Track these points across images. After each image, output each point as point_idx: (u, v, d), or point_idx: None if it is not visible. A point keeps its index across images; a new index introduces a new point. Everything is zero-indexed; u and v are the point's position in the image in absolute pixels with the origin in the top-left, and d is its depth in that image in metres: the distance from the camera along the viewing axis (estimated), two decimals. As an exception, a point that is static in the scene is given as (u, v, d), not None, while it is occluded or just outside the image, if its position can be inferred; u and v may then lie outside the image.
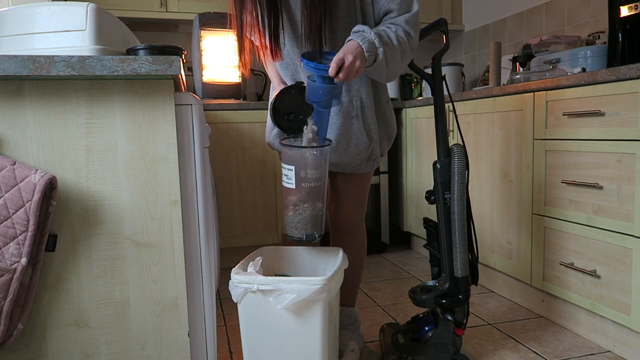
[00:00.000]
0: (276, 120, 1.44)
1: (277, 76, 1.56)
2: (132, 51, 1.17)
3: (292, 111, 1.42)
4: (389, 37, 1.29)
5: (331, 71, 1.23)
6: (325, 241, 1.77)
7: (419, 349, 1.56)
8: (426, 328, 1.60)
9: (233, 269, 1.37)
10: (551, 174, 1.86)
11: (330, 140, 1.42)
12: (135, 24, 2.94)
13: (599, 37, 2.41)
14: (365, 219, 1.74)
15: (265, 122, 1.87)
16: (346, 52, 1.23)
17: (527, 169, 1.97)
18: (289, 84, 1.51)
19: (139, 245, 1.12)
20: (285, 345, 1.33)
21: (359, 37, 1.25)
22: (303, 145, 1.35)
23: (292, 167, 1.34)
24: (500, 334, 1.85)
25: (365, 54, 1.25)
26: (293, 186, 1.36)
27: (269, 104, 1.45)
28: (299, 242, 1.41)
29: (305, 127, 1.36)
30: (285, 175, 1.37)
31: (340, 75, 1.23)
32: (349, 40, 1.28)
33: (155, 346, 1.16)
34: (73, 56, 1.00)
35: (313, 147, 1.34)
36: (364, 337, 1.82)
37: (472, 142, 2.32)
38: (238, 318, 1.38)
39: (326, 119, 1.37)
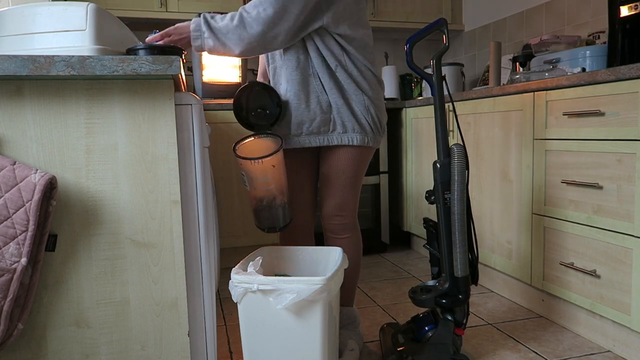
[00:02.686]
0: (241, 117, 1.55)
1: (263, 67, 1.69)
2: (132, 51, 1.17)
3: (257, 107, 1.54)
4: (219, 21, 1.44)
5: (150, 38, 1.44)
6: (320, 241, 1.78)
7: (419, 349, 1.56)
8: (426, 328, 1.60)
9: (233, 269, 1.37)
10: (551, 174, 1.86)
11: (281, 143, 1.50)
12: (135, 24, 2.94)
13: (599, 37, 2.41)
14: (365, 218, 1.74)
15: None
16: (172, 32, 1.44)
17: (527, 169, 1.97)
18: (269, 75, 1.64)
19: (139, 245, 1.12)
20: (285, 345, 1.33)
21: (193, 20, 1.44)
22: (249, 157, 1.46)
23: (244, 173, 1.49)
24: (500, 334, 1.85)
25: (192, 37, 1.44)
26: (249, 188, 1.51)
27: (233, 100, 1.54)
28: (264, 232, 1.57)
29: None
30: (243, 178, 1.52)
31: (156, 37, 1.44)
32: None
33: (155, 346, 1.16)
34: (73, 56, 1.00)
35: (254, 158, 1.44)
36: (364, 337, 1.82)
37: (472, 142, 2.32)
38: (238, 318, 1.38)
39: None
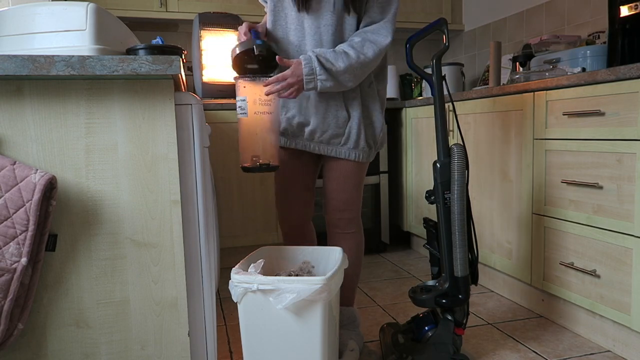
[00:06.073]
0: (239, 69, 1.50)
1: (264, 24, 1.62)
2: (132, 51, 1.17)
3: (255, 68, 1.51)
4: (335, 63, 1.42)
5: (266, 88, 1.42)
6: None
7: (419, 349, 1.56)
8: (426, 328, 1.60)
9: (233, 268, 1.37)
10: (551, 174, 1.86)
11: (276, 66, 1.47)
12: (135, 24, 2.94)
13: (599, 37, 2.41)
14: (365, 218, 1.75)
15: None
16: (289, 75, 1.41)
17: (527, 168, 1.97)
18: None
19: (139, 245, 1.12)
20: (285, 345, 1.33)
21: (305, 61, 1.41)
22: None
23: (245, 98, 1.45)
24: (500, 334, 1.85)
25: (305, 80, 1.42)
26: (246, 116, 1.46)
27: (234, 52, 1.47)
28: (254, 172, 1.50)
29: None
30: (239, 107, 1.47)
31: (271, 89, 1.42)
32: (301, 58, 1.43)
33: (155, 346, 1.16)
34: (73, 56, 1.00)
35: (263, 76, 1.43)
36: (364, 337, 1.82)
37: (472, 142, 2.32)
38: (238, 318, 1.38)
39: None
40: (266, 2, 1.62)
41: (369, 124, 1.61)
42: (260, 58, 1.45)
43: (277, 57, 1.43)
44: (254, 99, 1.44)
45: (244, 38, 1.51)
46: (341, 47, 1.45)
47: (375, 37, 1.47)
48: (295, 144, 1.64)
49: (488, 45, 3.22)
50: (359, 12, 1.50)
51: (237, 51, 1.45)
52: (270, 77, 1.43)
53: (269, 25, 1.60)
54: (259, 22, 1.62)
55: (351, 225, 1.68)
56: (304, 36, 1.53)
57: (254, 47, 1.42)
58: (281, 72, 1.45)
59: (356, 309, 1.76)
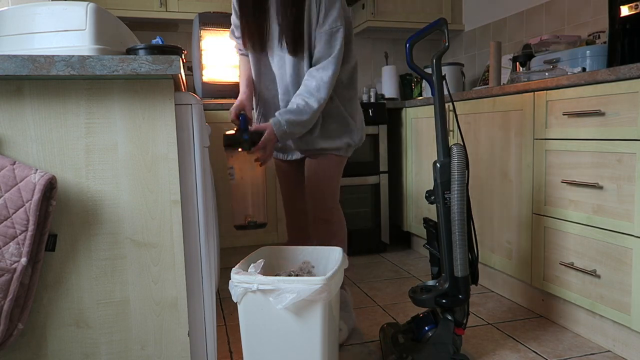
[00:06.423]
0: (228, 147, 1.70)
1: (246, 77, 1.86)
2: (132, 51, 1.17)
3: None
4: (300, 117, 1.63)
5: (254, 151, 1.62)
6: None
7: (419, 349, 1.56)
8: (426, 328, 1.60)
9: (233, 269, 1.37)
10: (551, 174, 1.86)
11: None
12: (135, 24, 2.93)
13: (599, 37, 2.41)
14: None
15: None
16: (266, 142, 1.60)
17: (527, 168, 1.97)
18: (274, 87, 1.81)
19: (139, 245, 1.12)
20: (285, 345, 1.33)
21: (275, 126, 1.61)
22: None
23: (232, 166, 1.68)
24: (500, 334, 1.85)
25: (280, 140, 1.65)
26: (235, 181, 1.69)
27: (224, 137, 1.68)
28: (245, 229, 1.71)
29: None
30: (229, 173, 1.69)
31: (258, 153, 1.62)
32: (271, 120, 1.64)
33: (155, 346, 1.16)
34: (73, 56, 1.00)
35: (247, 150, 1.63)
36: (364, 337, 1.83)
37: (472, 142, 2.32)
38: (238, 318, 1.38)
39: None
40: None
41: (338, 117, 1.80)
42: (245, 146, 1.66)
43: (250, 127, 1.67)
44: (240, 166, 1.67)
45: (233, 115, 1.74)
46: (302, 97, 1.63)
47: (325, 74, 1.64)
48: (291, 156, 1.85)
49: (488, 45, 3.22)
50: (305, 51, 1.66)
51: (227, 139, 1.67)
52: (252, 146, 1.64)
53: (252, 70, 1.83)
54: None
55: (332, 212, 1.84)
56: (275, 75, 1.76)
57: (241, 142, 1.63)
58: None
59: (347, 291, 1.87)
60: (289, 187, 1.94)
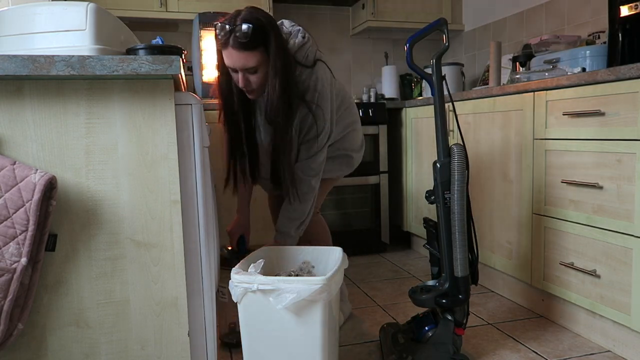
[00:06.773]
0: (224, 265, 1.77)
1: (244, 197, 1.91)
2: (132, 51, 1.17)
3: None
4: (293, 224, 1.73)
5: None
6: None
7: (419, 349, 1.56)
8: (426, 328, 1.60)
9: (233, 268, 1.37)
10: (551, 174, 1.86)
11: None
12: (135, 24, 2.92)
13: (599, 37, 2.41)
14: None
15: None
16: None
17: (527, 168, 1.97)
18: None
19: (139, 245, 1.12)
20: (285, 345, 1.33)
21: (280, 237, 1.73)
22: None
23: (225, 285, 1.63)
24: (500, 334, 1.85)
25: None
26: (225, 300, 1.67)
27: (221, 254, 1.78)
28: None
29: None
30: (220, 292, 1.65)
31: None
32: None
33: (155, 346, 1.16)
34: (73, 56, 1.00)
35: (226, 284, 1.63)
36: (364, 337, 1.82)
37: (472, 142, 2.32)
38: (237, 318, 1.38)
39: None
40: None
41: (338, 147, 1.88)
42: None
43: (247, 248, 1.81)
44: None
45: (234, 244, 1.86)
46: (291, 209, 1.72)
47: (310, 171, 1.71)
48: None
49: (488, 45, 3.22)
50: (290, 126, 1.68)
51: (224, 261, 1.77)
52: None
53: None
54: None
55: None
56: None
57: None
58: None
59: (343, 284, 1.91)
60: (278, 197, 1.95)
